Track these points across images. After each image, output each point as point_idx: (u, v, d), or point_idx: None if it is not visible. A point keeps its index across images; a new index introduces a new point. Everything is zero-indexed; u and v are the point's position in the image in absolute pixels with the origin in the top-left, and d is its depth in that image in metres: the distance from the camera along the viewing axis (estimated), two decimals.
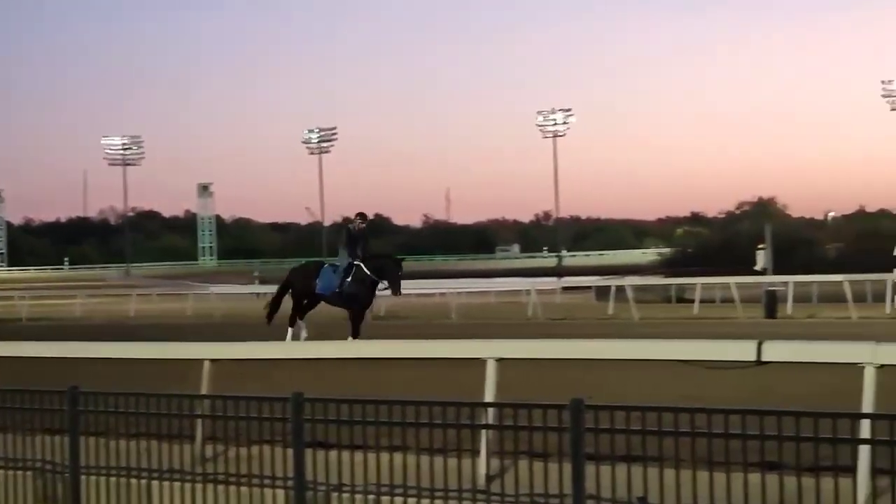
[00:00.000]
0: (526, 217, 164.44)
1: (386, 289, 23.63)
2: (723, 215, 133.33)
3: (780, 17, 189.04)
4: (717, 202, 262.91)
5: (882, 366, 8.70)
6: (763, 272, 45.63)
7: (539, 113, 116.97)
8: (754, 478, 7.83)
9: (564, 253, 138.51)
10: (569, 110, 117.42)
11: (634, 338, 16.51)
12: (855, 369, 8.78)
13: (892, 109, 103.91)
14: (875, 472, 7.91)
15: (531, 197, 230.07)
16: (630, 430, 8.19)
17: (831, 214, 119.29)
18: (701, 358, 9.91)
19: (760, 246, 50.14)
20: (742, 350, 9.31)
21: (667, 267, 78.43)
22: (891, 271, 35.58)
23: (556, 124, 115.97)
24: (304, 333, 23.52)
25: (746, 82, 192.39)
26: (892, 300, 34.50)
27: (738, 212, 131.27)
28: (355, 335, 22.59)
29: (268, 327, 23.75)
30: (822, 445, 7.62)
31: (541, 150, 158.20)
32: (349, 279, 23.49)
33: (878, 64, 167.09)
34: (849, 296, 33.99)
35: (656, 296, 47.48)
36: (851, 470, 8.06)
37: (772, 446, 7.79)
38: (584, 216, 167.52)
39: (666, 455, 8.03)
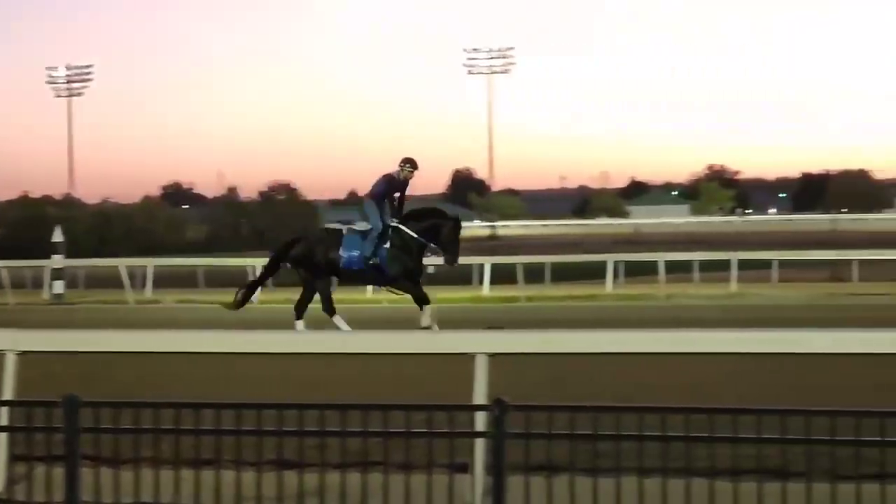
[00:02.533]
0: None
1: (436, 254, 18.75)
2: None
3: None
4: None
5: (23, 352, 8.60)
6: None
7: None
8: None
9: None
10: None
11: None
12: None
13: (58, 96, 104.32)
14: (12, 458, 7.80)
15: None
16: None
17: None
18: None
19: None
20: None
21: None
22: (49, 257, 35.61)
23: None
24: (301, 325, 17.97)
25: None
26: (50, 286, 34.64)
27: None
28: (425, 300, 17.93)
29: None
30: None
31: None
32: (387, 245, 18.14)
33: (42, 51, 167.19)
34: (7, 282, 33.62)
35: None
36: None
37: None
38: None
39: None
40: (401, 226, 18.14)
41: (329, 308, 18.10)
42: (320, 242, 18.51)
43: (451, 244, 18.07)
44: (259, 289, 21.06)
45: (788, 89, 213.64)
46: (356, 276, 18.92)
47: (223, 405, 7.23)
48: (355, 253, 18.14)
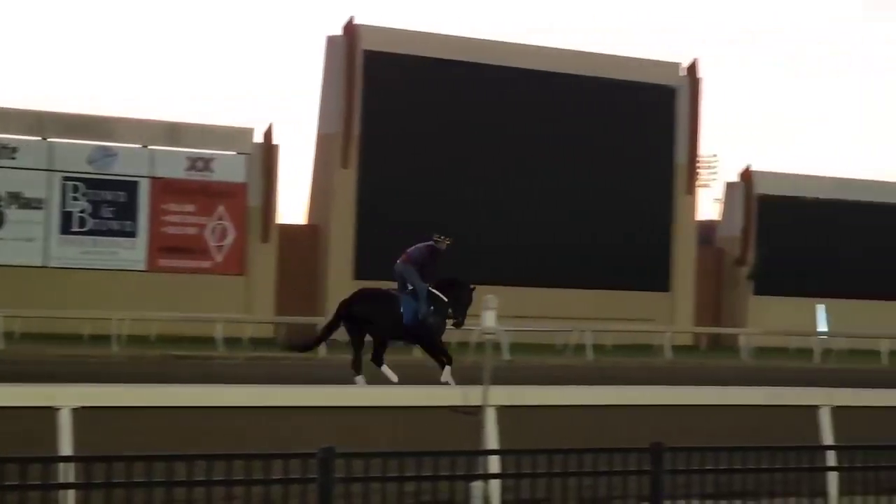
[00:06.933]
0: None
1: (449, 318, 20.44)
2: None
3: None
4: None
5: None
6: None
7: None
8: None
9: None
10: None
11: None
12: None
13: None
14: None
15: None
16: None
17: None
18: None
19: None
20: None
21: None
22: None
23: None
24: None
25: None
26: None
27: None
28: (449, 361, 19.84)
29: None
30: None
31: None
32: (432, 308, 20.11)
33: None
34: None
35: None
36: None
37: None
38: None
39: None
40: (434, 290, 20.22)
41: (373, 359, 19.74)
42: (387, 303, 20.24)
43: (464, 309, 20.41)
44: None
45: None
46: (409, 333, 20.73)
47: None
48: (411, 314, 20.03)
